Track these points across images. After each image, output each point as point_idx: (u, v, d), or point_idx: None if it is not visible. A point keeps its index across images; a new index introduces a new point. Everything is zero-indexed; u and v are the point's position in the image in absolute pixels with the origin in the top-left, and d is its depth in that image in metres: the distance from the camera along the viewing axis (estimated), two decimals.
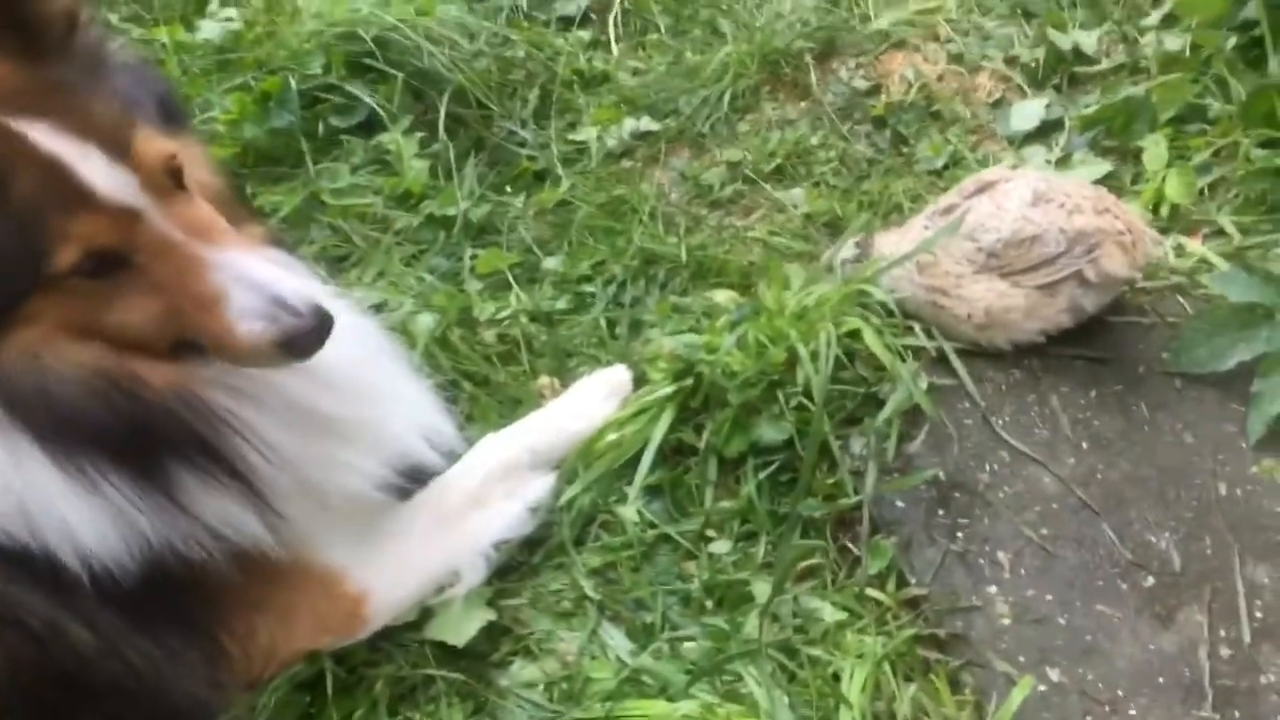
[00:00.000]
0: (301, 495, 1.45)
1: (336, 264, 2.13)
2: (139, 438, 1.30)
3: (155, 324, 1.28)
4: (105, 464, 1.28)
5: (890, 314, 1.74)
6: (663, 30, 2.73)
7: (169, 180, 1.28)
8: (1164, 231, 1.94)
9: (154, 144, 1.26)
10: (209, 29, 2.65)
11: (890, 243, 1.79)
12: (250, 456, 1.37)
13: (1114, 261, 1.64)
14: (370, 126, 2.41)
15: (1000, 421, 1.67)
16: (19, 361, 1.23)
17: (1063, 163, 2.15)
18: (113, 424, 1.27)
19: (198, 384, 1.34)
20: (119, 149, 1.22)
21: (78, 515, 1.27)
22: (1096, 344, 1.74)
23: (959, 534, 1.56)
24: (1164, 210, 1.98)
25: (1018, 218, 1.67)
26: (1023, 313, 1.68)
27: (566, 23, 2.81)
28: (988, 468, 1.62)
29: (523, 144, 2.45)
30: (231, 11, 2.73)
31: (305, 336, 1.29)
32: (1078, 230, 1.64)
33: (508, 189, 2.35)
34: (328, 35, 2.47)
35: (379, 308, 1.96)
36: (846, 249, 1.85)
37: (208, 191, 1.40)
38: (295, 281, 1.33)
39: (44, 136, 1.19)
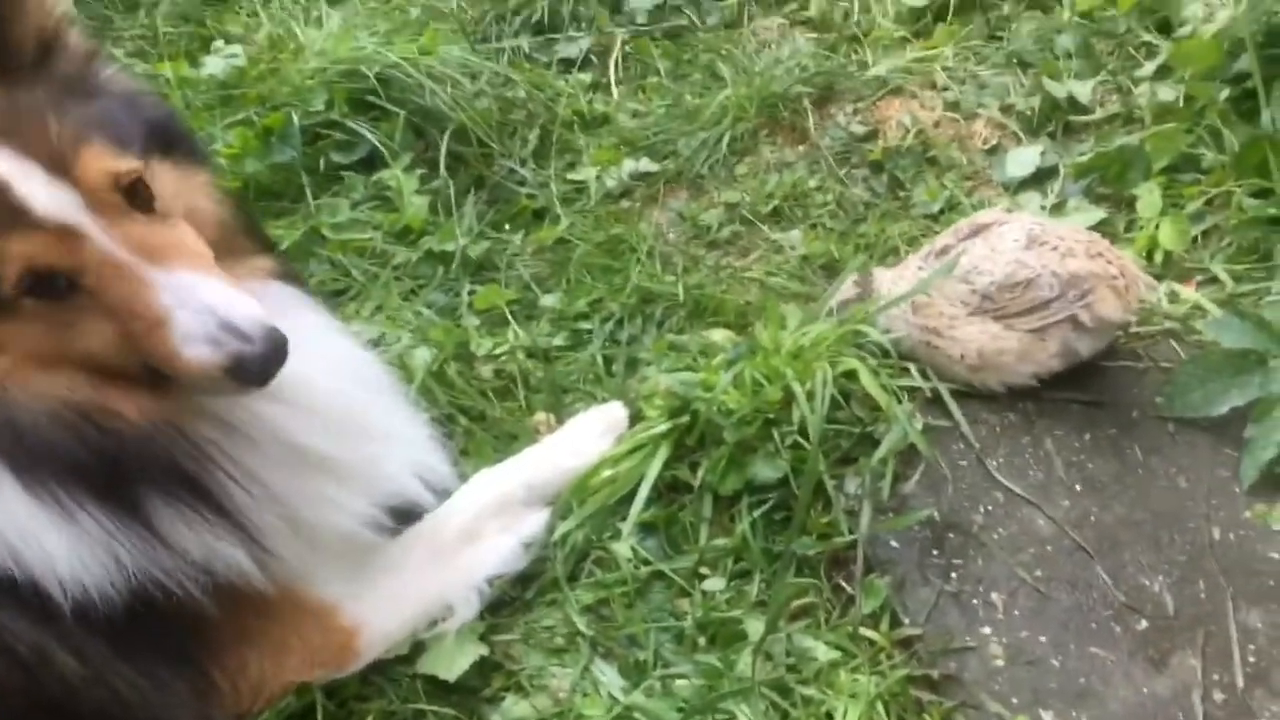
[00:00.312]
0: (291, 532, 1.43)
1: (335, 298, 2.14)
2: (111, 469, 1.27)
3: (114, 349, 1.26)
4: (81, 496, 1.26)
5: (886, 354, 1.75)
6: (663, 74, 2.77)
7: (120, 199, 1.26)
8: (1157, 278, 1.95)
9: (100, 162, 1.24)
10: (213, 65, 2.68)
11: (889, 281, 1.80)
12: (234, 492, 1.35)
13: (1107, 306, 1.65)
14: (371, 163, 2.44)
15: (995, 463, 1.67)
16: None
17: (1057, 209, 2.17)
18: (83, 456, 1.26)
19: (180, 415, 1.32)
20: (62, 167, 1.22)
21: (56, 544, 1.26)
22: (1091, 388, 1.75)
23: (953, 574, 1.55)
24: (1157, 257, 2.00)
25: (1011, 261, 1.68)
26: (1015, 355, 1.69)
27: (568, 65, 2.85)
28: (982, 509, 1.62)
29: (522, 182, 2.47)
30: (236, 48, 2.76)
31: (253, 362, 1.25)
32: (1071, 274, 1.65)
33: (507, 227, 2.36)
34: (331, 72, 2.50)
35: (376, 342, 1.97)
36: (846, 287, 1.86)
37: (207, 220, 1.40)
38: (246, 305, 1.28)
39: None
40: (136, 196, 1.27)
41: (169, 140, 1.40)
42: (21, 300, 1.21)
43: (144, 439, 1.29)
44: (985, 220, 1.78)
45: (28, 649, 1.29)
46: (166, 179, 1.36)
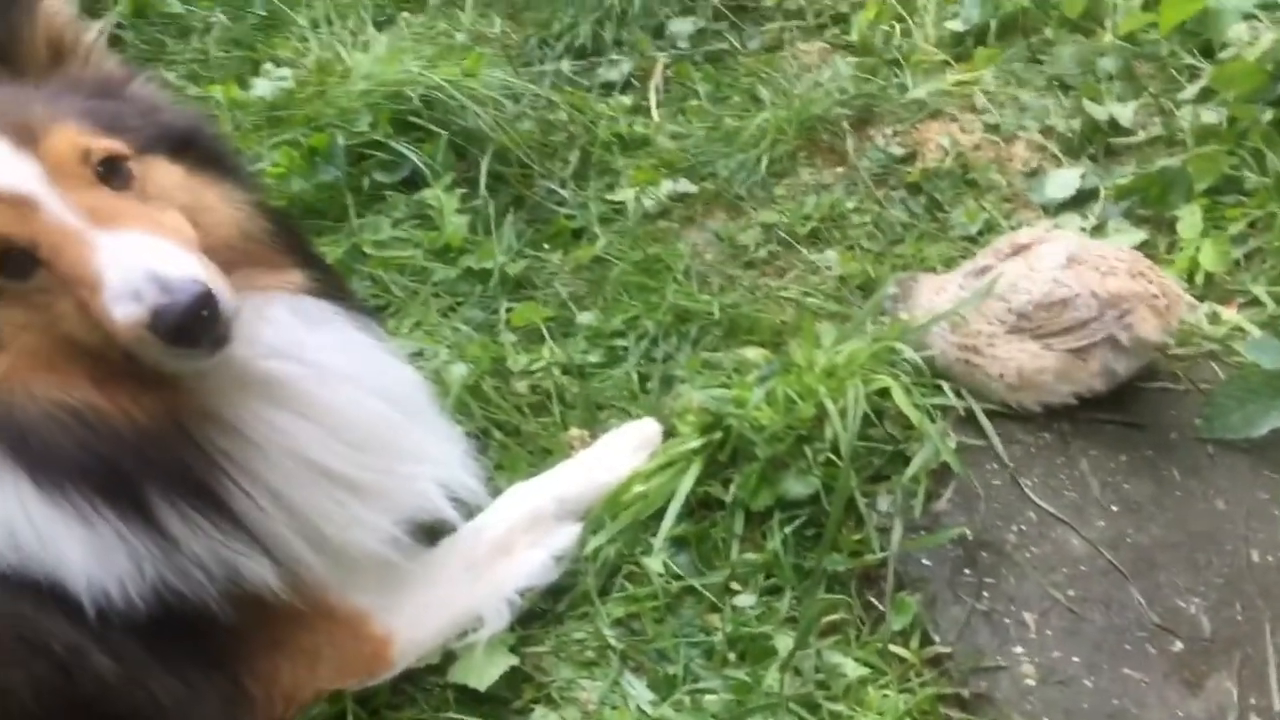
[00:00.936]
0: (314, 546, 1.43)
1: (379, 322, 2.16)
2: (112, 471, 1.28)
3: (83, 329, 1.24)
4: (93, 498, 1.27)
5: (920, 372, 1.74)
6: (703, 97, 2.78)
7: (89, 174, 1.26)
8: (1198, 299, 1.94)
9: (68, 136, 1.26)
10: (262, 87, 2.73)
11: (930, 290, 1.81)
12: (243, 501, 1.35)
13: (1147, 326, 1.64)
14: (413, 182, 2.47)
15: (1029, 483, 1.66)
16: None
17: (1098, 231, 2.16)
18: (83, 458, 1.26)
19: (187, 417, 1.32)
20: (28, 142, 1.23)
21: (76, 547, 1.27)
22: (1129, 409, 1.74)
23: (985, 593, 1.55)
24: (1198, 279, 1.98)
25: (1049, 280, 1.67)
26: (1054, 374, 1.68)
27: (609, 88, 2.87)
28: (1015, 528, 1.61)
29: (562, 203, 2.49)
30: (285, 71, 2.81)
31: (170, 314, 1.18)
32: (1111, 293, 1.64)
33: (545, 246, 2.38)
34: (376, 94, 2.53)
35: (415, 357, 1.99)
36: (888, 288, 1.87)
37: (221, 224, 1.41)
38: (179, 260, 1.23)
39: None
40: (115, 176, 1.28)
41: (185, 146, 1.42)
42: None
43: (147, 440, 1.29)
44: (1026, 239, 1.78)
45: (65, 649, 1.31)
46: (169, 176, 1.37)
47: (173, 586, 1.31)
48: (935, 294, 1.79)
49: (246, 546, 1.35)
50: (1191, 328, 1.85)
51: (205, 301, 1.21)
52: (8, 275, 1.23)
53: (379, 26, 3.08)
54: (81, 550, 1.27)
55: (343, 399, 1.46)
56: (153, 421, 1.29)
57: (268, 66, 2.86)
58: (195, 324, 1.21)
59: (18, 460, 1.25)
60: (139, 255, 1.21)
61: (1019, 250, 1.76)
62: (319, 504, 1.43)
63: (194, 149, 1.43)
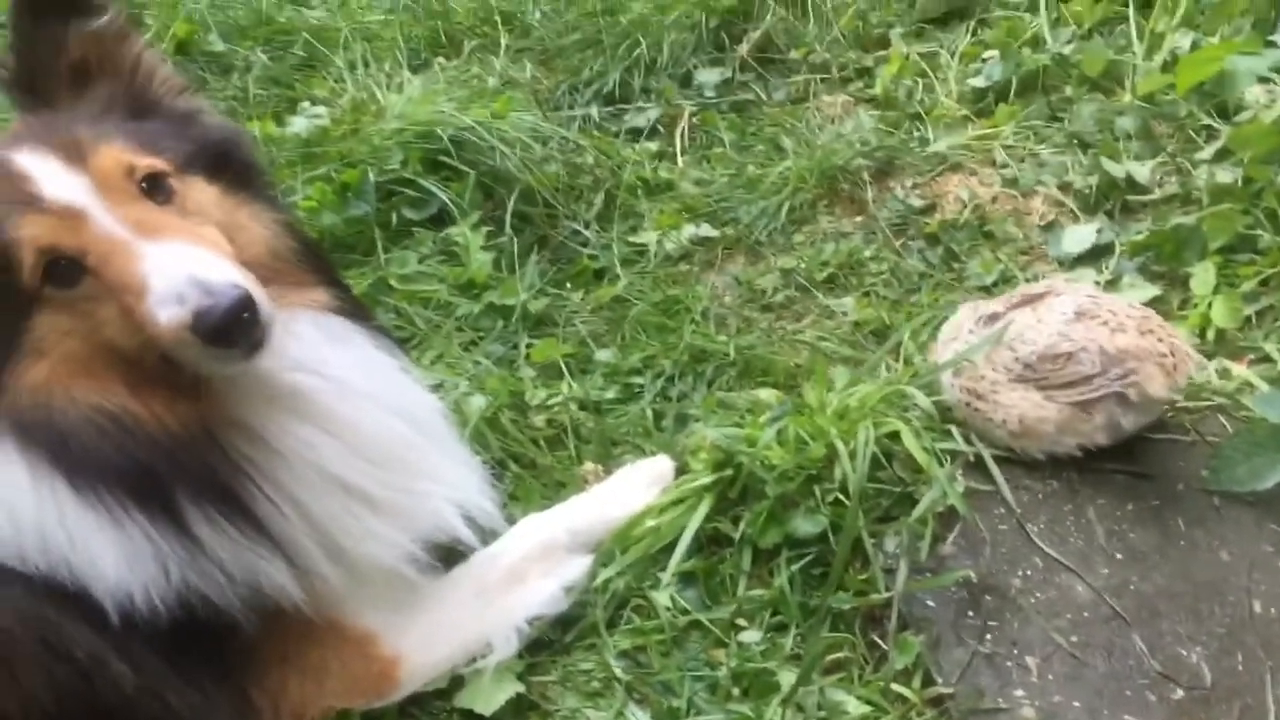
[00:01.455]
0: (331, 558, 1.48)
1: (400, 346, 2.21)
2: (147, 475, 1.33)
3: (125, 335, 1.30)
4: (126, 500, 1.32)
5: (930, 417, 1.77)
6: (727, 145, 2.84)
7: (134, 189, 1.33)
8: (1209, 355, 1.96)
9: (115, 154, 1.33)
10: (298, 124, 2.81)
11: (944, 333, 1.86)
12: (268, 508, 1.40)
13: (1154, 383, 1.65)
14: (441, 219, 2.53)
15: (1035, 528, 1.68)
16: (30, 401, 1.30)
17: (1112, 285, 2.18)
18: (119, 461, 1.32)
19: (215, 425, 1.38)
20: (78, 158, 1.31)
21: (105, 549, 1.32)
22: (1136, 459, 1.76)
23: (988, 636, 1.56)
24: (1210, 334, 2.00)
25: (1055, 333, 1.70)
26: (1055, 425, 1.69)
27: (635, 134, 2.94)
28: (1020, 573, 1.62)
29: (585, 243, 2.55)
30: (321, 109, 2.89)
31: (211, 315, 1.24)
32: (1119, 349, 1.66)
33: (567, 284, 2.44)
34: (408, 134, 2.61)
35: (436, 388, 2.03)
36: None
37: (253, 242, 1.47)
38: (220, 266, 1.29)
39: (19, 156, 1.31)
40: (158, 191, 1.35)
41: (222, 165, 1.49)
42: (44, 290, 1.28)
43: (179, 447, 1.35)
44: (1039, 290, 1.81)
45: (87, 656, 1.35)
46: (205, 194, 1.44)
47: (196, 590, 1.35)
48: (946, 338, 1.82)
49: (269, 552, 1.40)
50: (1201, 382, 1.87)
51: (245, 304, 1.27)
52: (55, 283, 1.29)
53: (414, 69, 3.17)
54: (112, 551, 1.31)
55: (363, 415, 1.50)
56: (184, 428, 1.35)
57: (304, 104, 2.95)
58: (235, 326, 1.27)
59: (55, 462, 1.30)
60: (182, 261, 1.27)
61: (1030, 300, 1.78)
62: (337, 516, 1.47)
63: (229, 168, 1.49)
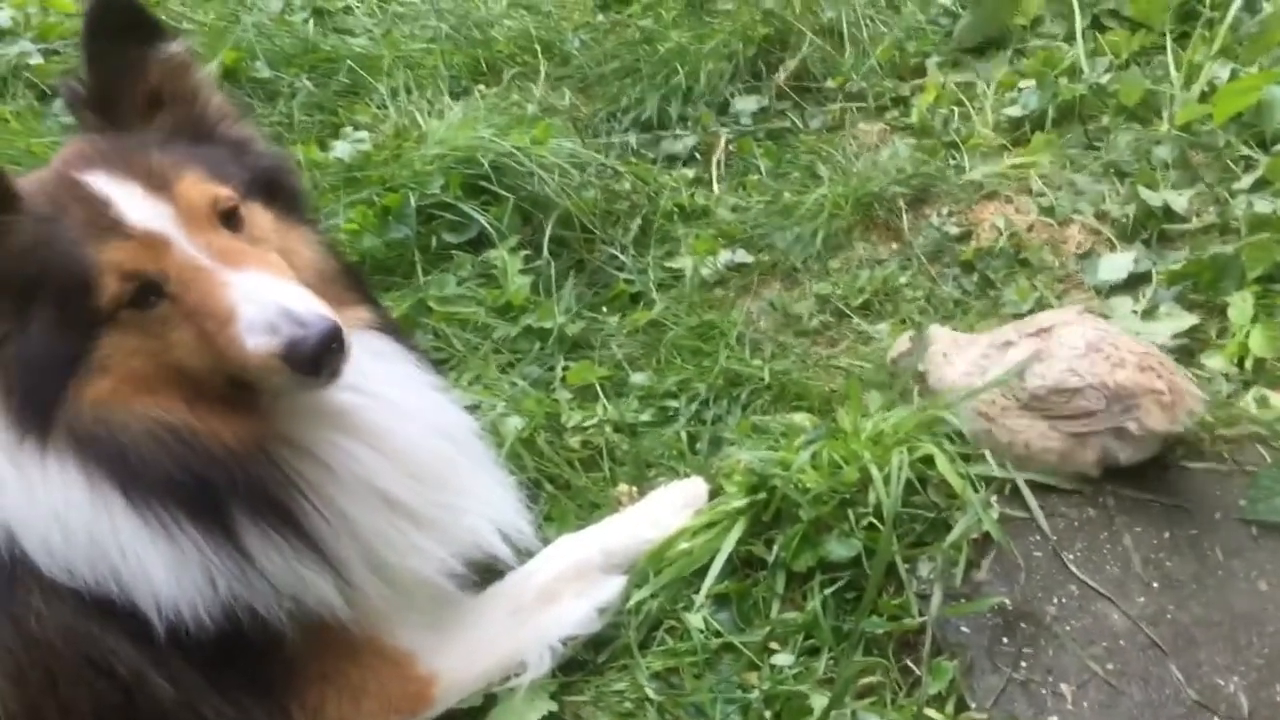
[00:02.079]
0: (373, 572, 1.50)
1: (436, 367, 2.24)
2: (204, 489, 1.36)
3: (197, 356, 1.35)
4: (180, 514, 1.35)
5: (964, 442, 1.77)
6: (763, 172, 2.86)
7: (213, 218, 1.37)
8: (1246, 385, 1.95)
9: (198, 185, 1.38)
10: (341, 149, 2.85)
11: (947, 342, 1.88)
12: (318, 522, 1.43)
13: (1152, 419, 1.67)
14: (479, 243, 2.56)
15: (1071, 556, 1.67)
16: (92, 415, 1.33)
17: (1149, 314, 2.17)
18: (178, 475, 1.35)
19: (270, 441, 1.41)
20: (160, 186, 1.35)
21: (155, 563, 1.35)
22: (1174, 488, 1.75)
23: (1023, 663, 1.55)
24: (1248, 363, 1.99)
25: (1064, 369, 1.72)
26: (1058, 455, 1.73)
27: (673, 160, 2.96)
28: (1055, 600, 1.62)
29: (621, 268, 2.57)
30: (364, 135, 2.94)
31: (304, 345, 1.30)
32: (1118, 385, 1.68)
33: (603, 308, 2.46)
34: (449, 159, 2.64)
35: (473, 409, 2.05)
36: (901, 341, 1.96)
37: (304, 264, 1.51)
38: (306, 297, 1.35)
39: (98, 180, 1.34)
40: (231, 219, 1.39)
41: (274, 190, 1.53)
42: (119, 312, 1.32)
43: (235, 462, 1.38)
44: (1048, 322, 1.82)
45: (128, 672, 1.38)
46: (264, 220, 1.48)
47: (243, 604, 1.37)
48: (952, 348, 1.86)
49: (317, 566, 1.42)
50: (1240, 411, 1.86)
51: (335, 335, 1.33)
52: (131, 305, 1.32)
53: (454, 96, 3.21)
54: (162, 564, 1.34)
55: (408, 432, 1.53)
56: (239, 444, 1.38)
57: (348, 130, 2.99)
58: (325, 355, 1.33)
59: (113, 475, 1.33)
60: (271, 291, 1.32)
61: (1042, 331, 1.80)
62: (383, 530, 1.50)
63: (281, 193, 1.53)
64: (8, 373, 1.32)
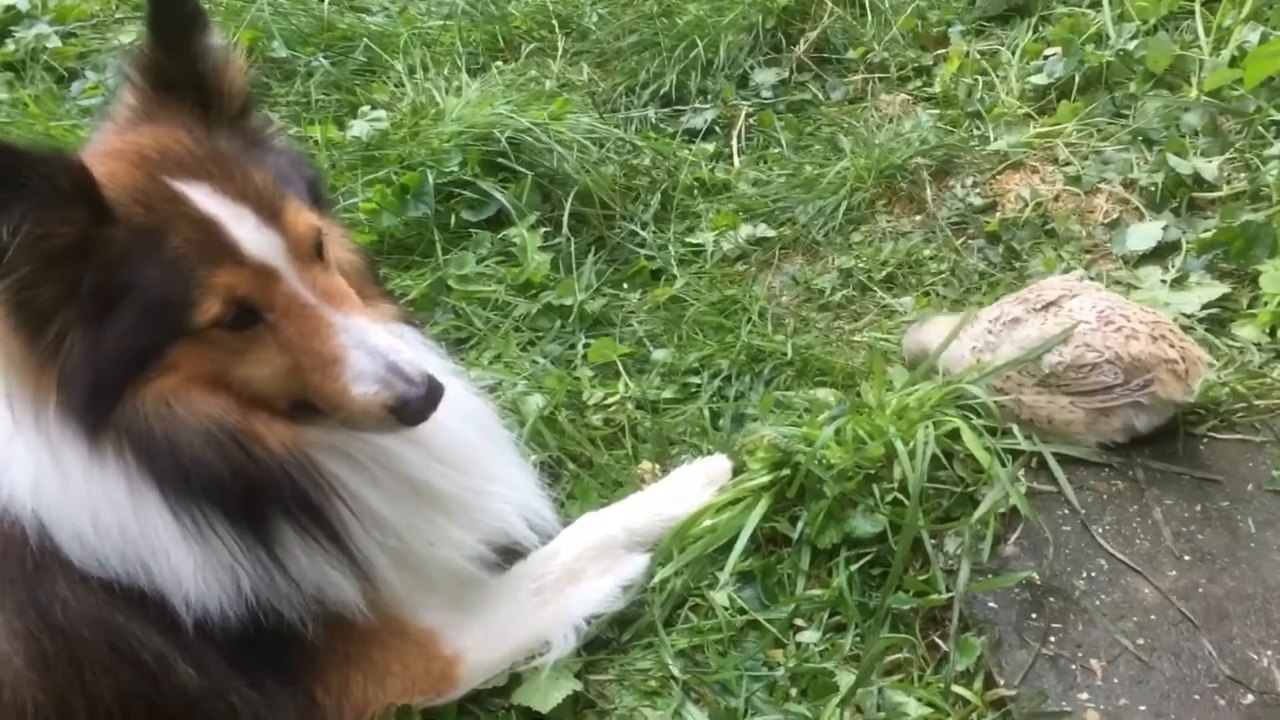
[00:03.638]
0: (401, 563, 1.50)
1: (457, 345, 2.24)
2: (250, 492, 1.36)
3: (279, 380, 1.36)
4: (216, 517, 1.36)
5: (990, 415, 1.75)
6: (784, 145, 2.83)
7: (312, 251, 1.38)
8: (1279, 354, 1.92)
9: (304, 216, 1.37)
10: (359, 128, 2.84)
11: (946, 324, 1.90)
12: (351, 523, 1.44)
13: (1167, 388, 1.68)
14: (498, 221, 2.55)
15: (1100, 530, 1.65)
16: (153, 407, 1.32)
17: (1178, 283, 2.14)
18: (227, 476, 1.35)
19: (312, 447, 1.41)
20: (271, 215, 1.34)
21: (185, 563, 1.35)
22: (1204, 461, 1.73)
23: (1051, 638, 1.53)
24: (1279, 333, 1.95)
25: (1080, 345, 1.71)
26: (1083, 425, 1.73)
27: (692, 135, 2.94)
28: (1085, 574, 1.60)
29: (642, 244, 2.55)
30: (381, 113, 2.92)
31: (416, 403, 1.36)
32: (1133, 358, 1.67)
33: (624, 285, 2.44)
34: (466, 136, 2.63)
35: (494, 389, 2.05)
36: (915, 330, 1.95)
37: (345, 268, 1.50)
38: (411, 352, 1.39)
39: (203, 197, 1.32)
40: (319, 249, 1.40)
41: (319, 196, 1.52)
42: (208, 330, 1.31)
43: (279, 467, 1.38)
44: (1053, 295, 1.80)
45: (154, 659, 1.38)
46: (330, 237, 1.47)
47: (266, 603, 1.38)
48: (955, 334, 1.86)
49: (344, 567, 1.43)
50: (1272, 381, 1.83)
51: (439, 393, 1.38)
52: (223, 326, 1.32)
53: (472, 73, 3.19)
54: (191, 563, 1.35)
55: (437, 419, 1.51)
56: (283, 449, 1.38)
57: (365, 109, 2.98)
58: (430, 412, 1.38)
59: (157, 473, 1.33)
60: (380, 343, 1.36)
61: (1048, 305, 1.78)
62: (413, 522, 1.50)
63: (321, 198, 1.52)
64: (69, 368, 1.30)
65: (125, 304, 1.28)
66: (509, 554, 1.69)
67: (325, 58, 3.29)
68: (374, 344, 1.36)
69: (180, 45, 1.40)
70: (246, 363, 1.35)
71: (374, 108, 2.99)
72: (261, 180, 1.37)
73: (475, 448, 1.64)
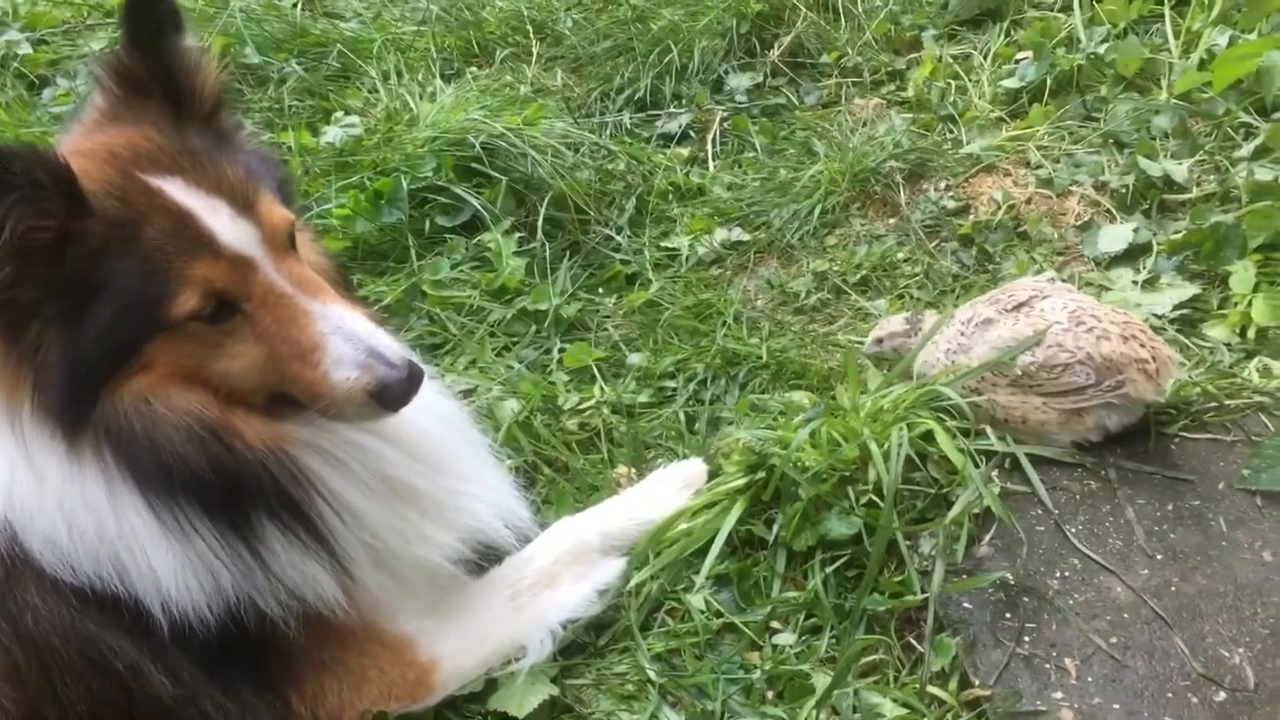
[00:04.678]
0: (378, 562, 1.50)
1: (432, 351, 2.23)
2: (231, 488, 1.36)
3: (257, 373, 1.36)
4: (197, 513, 1.35)
5: (963, 416, 1.76)
6: (759, 149, 2.84)
7: (286, 242, 1.38)
8: (1249, 354, 1.94)
9: (277, 207, 1.38)
10: (332, 134, 2.83)
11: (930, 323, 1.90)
12: (331, 519, 1.43)
13: (1138, 388, 1.69)
14: (473, 226, 2.55)
15: (1073, 529, 1.66)
16: (131, 405, 1.32)
17: (1149, 285, 2.16)
18: (209, 472, 1.34)
19: (290, 443, 1.41)
20: (245, 207, 1.34)
21: (164, 562, 1.34)
22: (1176, 460, 1.74)
23: (1025, 638, 1.54)
24: (1250, 333, 1.98)
25: (1051, 345, 1.72)
26: (1056, 426, 1.74)
27: (667, 139, 2.95)
28: (1058, 574, 1.61)
29: (617, 248, 2.55)
30: (355, 119, 2.91)
31: (396, 386, 1.36)
32: (1104, 357, 1.68)
33: (599, 290, 2.44)
34: (440, 142, 2.62)
35: (469, 394, 2.04)
36: (897, 321, 1.94)
37: (315, 268, 1.49)
38: (390, 338, 1.40)
39: (177, 190, 1.32)
40: (291, 241, 1.40)
41: (289, 197, 1.51)
42: (185, 322, 1.31)
43: (259, 462, 1.38)
44: (1024, 295, 1.81)
45: (126, 667, 1.37)
46: (301, 233, 1.47)
47: (246, 601, 1.37)
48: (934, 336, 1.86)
49: (324, 564, 1.42)
50: (1242, 381, 1.84)
51: (419, 376, 1.39)
52: (203, 319, 1.31)
53: (446, 79, 3.19)
54: (170, 562, 1.34)
55: (412, 420, 1.51)
56: (262, 444, 1.38)
57: (339, 114, 2.96)
58: (411, 395, 1.39)
59: (137, 472, 1.32)
60: (359, 329, 1.37)
61: (1019, 306, 1.79)
62: (391, 520, 1.50)
63: (291, 198, 1.52)
64: (45, 368, 1.29)
65: (102, 299, 1.27)
66: (486, 556, 1.69)
67: (299, 64, 3.27)
68: (352, 329, 1.36)
69: (155, 46, 1.39)
70: (224, 356, 1.35)
71: (348, 113, 2.98)
72: (234, 173, 1.37)
73: (450, 448, 1.64)
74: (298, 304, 1.35)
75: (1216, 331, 2.01)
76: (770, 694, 1.58)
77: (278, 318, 1.34)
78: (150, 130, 1.37)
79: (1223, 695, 1.44)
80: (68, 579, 1.33)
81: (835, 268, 2.40)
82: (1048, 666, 1.51)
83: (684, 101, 3.03)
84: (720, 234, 2.55)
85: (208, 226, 1.30)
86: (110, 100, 1.42)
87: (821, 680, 1.55)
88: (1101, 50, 2.74)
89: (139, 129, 1.37)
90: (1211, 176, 2.38)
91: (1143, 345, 1.69)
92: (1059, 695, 1.47)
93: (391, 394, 1.36)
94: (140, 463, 1.32)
